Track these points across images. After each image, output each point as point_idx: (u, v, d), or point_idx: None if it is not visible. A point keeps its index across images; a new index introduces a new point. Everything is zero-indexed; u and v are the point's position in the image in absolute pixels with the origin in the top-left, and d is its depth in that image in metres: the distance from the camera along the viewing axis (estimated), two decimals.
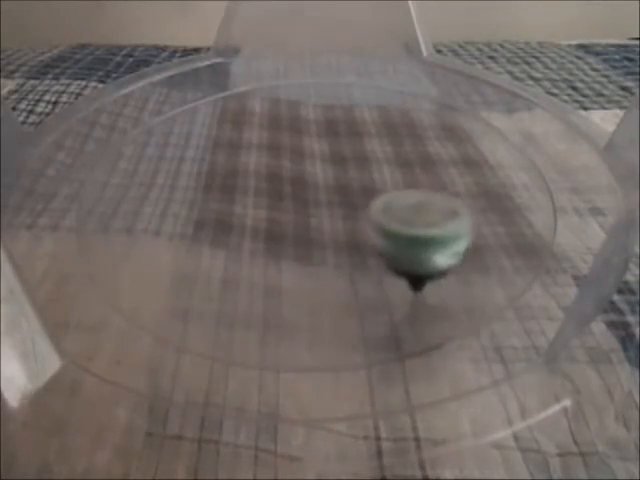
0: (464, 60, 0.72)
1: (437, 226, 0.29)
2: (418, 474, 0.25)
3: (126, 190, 0.43)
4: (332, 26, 0.60)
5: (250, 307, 0.34)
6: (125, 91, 0.56)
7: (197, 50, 0.72)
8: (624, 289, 0.34)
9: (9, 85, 0.61)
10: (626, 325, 0.31)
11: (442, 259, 0.29)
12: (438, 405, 0.28)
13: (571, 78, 0.66)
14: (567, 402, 0.27)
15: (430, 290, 0.34)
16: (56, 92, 0.59)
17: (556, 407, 0.27)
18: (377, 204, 0.31)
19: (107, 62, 0.69)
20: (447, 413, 0.27)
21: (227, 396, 0.28)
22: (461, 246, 0.30)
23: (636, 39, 0.79)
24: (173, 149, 0.49)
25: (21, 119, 0.54)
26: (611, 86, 0.64)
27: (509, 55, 0.74)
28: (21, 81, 0.62)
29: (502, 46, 0.77)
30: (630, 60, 0.71)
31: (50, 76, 0.63)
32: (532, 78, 0.66)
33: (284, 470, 0.25)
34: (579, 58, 0.72)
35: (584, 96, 0.62)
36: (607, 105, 0.59)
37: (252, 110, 0.55)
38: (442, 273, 0.30)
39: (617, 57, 0.72)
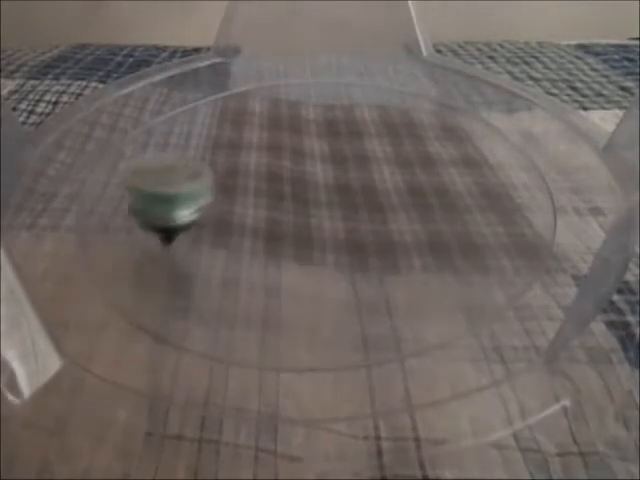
0: (464, 60, 0.72)
1: (181, 185, 0.33)
2: (418, 474, 0.25)
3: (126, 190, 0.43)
4: (332, 26, 0.60)
5: (250, 307, 0.34)
6: (125, 91, 0.56)
7: (197, 50, 0.72)
8: (624, 289, 0.34)
9: (9, 85, 0.61)
10: (626, 325, 0.31)
11: (186, 214, 0.33)
12: (438, 405, 0.28)
13: (571, 78, 0.66)
14: (567, 402, 0.27)
15: (430, 289, 0.34)
16: (56, 92, 0.59)
17: (556, 407, 0.27)
18: (128, 168, 0.36)
19: (107, 62, 0.69)
20: (447, 413, 0.27)
21: (227, 396, 0.28)
22: (203, 202, 0.34)
23: (636, 39, 0.79)
24: (173, 149, 0.49)
25: (22, 119, 0.54)
26: (611, 86, 0.64)
27: (509, 55, 0.74)
28: (21, 81, 0.62)
29: (502, 46, 0.77)
30: (630, 60, 0.71)
31: (50, 76, 0.63)
32: (532, 78, 0.66)
33: (284, 470, 0.25)
34: (579, 58, 0.72)
35: (584, 96, 0.62)
36: (607, 105, 0.59)
37: (252, 110, 0.55)
38: (187, 227, 0.34)
39: (617, 57, 0.72)
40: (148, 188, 0.33)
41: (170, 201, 0.33)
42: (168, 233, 0.34)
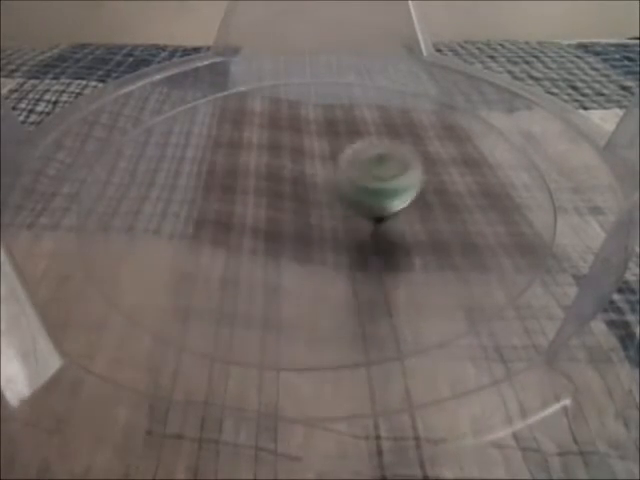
0: (464, 60, 0.72)
1: (394, 179, 0.36)
2: (418, 473, 0.25)
3: (126, 189, 0.43)
4: (332, 26, 0.60)
5: (250, 307, 0.34)
6: (125, 91, 0.56)
7: (197, 50, 0.72)
8: (624, 288, 0.34)
9: (9, 84, 0.61)
10: (626, 324, 0.31)
11: (396, 204, 0.36)
12: (438, 404, 0.28)
13: (571, 77, 0.66)
14: (567, 401, 0.27)
15: (430, 288, 0.34)
16: (56, 91, 0.59)
17: (556, 406, 0.27)
18: (343, 158, 0.38)
19: (107, 62, 0.69)
20: (447, 412, 0.27)
21: (227, 395, 0.28)
22: (411, 194, 0.36)
23: (636, 39, 0.79)
24: (173, 149, 0.49)
25: (21, 118, 0.54)
26: (611, 85, 0.64)
27: (509, 54, 0.74)
28: (21, 80, 0.62)
29: (502, 45, 0.77)
30: (630, 59, 0.71)
31: (50, 75, 0.63)
32: (532, 77, 0.66)
33: (284, 470, 0.25)
34: (579, 57, 0.72)
35: (584, 95, 0.62)
36: (607, 104, 0.59)
37: (252, 110, 0.55)
38: (395, 214, 0.37)
39: (617, 56, 0.72)
40: (363, 182, 0.36)
41: (383, 194, 0.36)
42: (379, 220, 0.38)
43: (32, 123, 0.53)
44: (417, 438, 0.26)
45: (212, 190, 0.44)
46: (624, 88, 0.63)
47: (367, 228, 0.39)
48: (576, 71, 0.68)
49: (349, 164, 0.37)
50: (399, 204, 0.36)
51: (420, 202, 0.42)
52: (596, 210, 0.41)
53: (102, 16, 0.86)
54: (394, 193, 0.36)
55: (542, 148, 0.48)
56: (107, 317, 0.32)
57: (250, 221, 0.40)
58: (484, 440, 0.26)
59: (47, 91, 0.59)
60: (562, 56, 0.73)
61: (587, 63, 0.70)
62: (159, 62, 0.69)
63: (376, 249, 0.39)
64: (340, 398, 0.28)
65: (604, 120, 0.55)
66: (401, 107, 0.57)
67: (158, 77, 0.58)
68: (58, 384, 0.27)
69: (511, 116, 0.54)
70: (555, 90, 0.63)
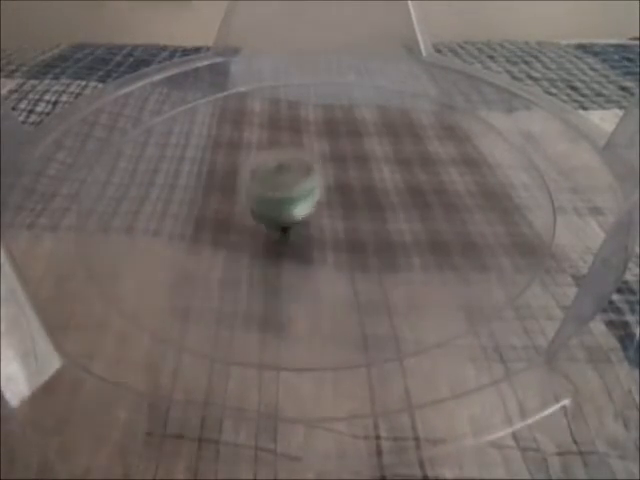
0: (463, 60, 0.72)
1: (295, 186, 0.36)
2: (418, 473, 0.25)
3: (126, 190, 0.43)
4: (332, 26, 0.60)
5: (250, 307, 0.34)
6: (125, 91, 0.56)
7: (197, 50, 0.72)
8: (623, 289, 0.34)
9: (9, 85, 0.61)
10: (625, 324, 0.32)
11: (304, 209, 0.36)
12: (437, 404, 0.28)
13: (570, 78, 0.66)
14: (566, 401, 0.27)
15: (430, 288, 0.34)
16: (56, 92, 0.59)
17: (556, 407, 0.27)
18: (245, 171, 0.38)
19: (107, 62, 0.69)
20: (446, 412, 0.27)
21: (227, 395, 0.28)
22: (314, 198, 0.37)
23: (635, 39, 0.79)
24: (173, 149, 0.49)
25: (21, 119, 0.54)
26: (610, 86, 0.64)
27: (508, 55, 0.74)
28: (21, 81, 0.62)
29: (501, 46, 0.77)
30: (629, 60, 0.71)
31: (50, 76, 0.63)
32: (531, 78, 0.67)
33: (284, 470, 0.25)
34: (578, 58, 0.72)
35: (583, 96, 0.62)
36: (606, 105, 0.60)
37: (252, 110, 0.55)
38: (303, 221, 0.37)
39: (616, 57, 0.72)
40: (269, 193, 0.36)
41: (290, 202, 0.36)
42: (287, 229, 0.38)
43: (32, 123, 0.53)
44: (417, 438, 0.26)
45: (212, 190, 0.44)
46: (623, 88, 0.63)
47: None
48: (575, 71, 0.68)
49: (251, 177, 0.37)
50: (305, 210, 0.36)
51: (420, 202, 0.43)
52: (595, 210, 0.41)
53: (102, 16, 0.86)
54: (299, 199, 0.36)
55: (541, 148, 0.48)
56: (107, 317, 0.32)
57: (249, 221, 0.40)
58: (484, 440, 0.26)
59: (47, 91, 0.59)
60: (561, 56, 0.73)
61: (586, 63, 0.71)
62: (159, 62, 0.69)
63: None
64: (340, 398, 0.28)
65: (603, 120, 0.55)
66: (401, 107, 0.57)
67: (158, 77, 0.58)
68: (58, 384, 0.27)
69: (510, 116, 0.54)
70: (554, 90, 0.63)
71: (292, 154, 0.39)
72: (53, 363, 0.27)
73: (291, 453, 0.26)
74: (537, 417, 0.27)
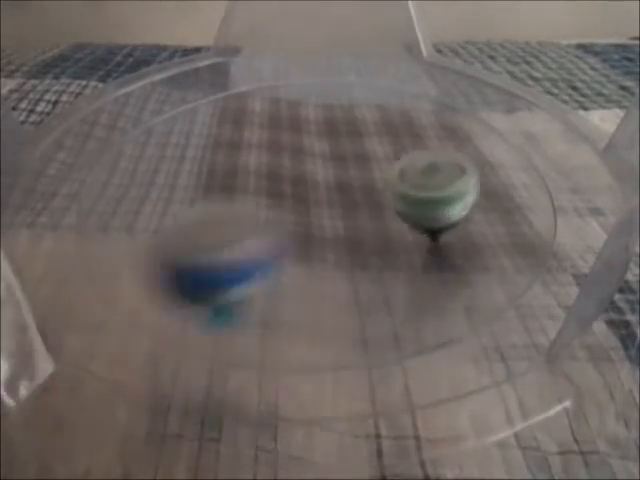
0: (464, 60, 0.72)
1: (447, 186, 0.33)
2: (418, 473, 0.25)
3: (126, 189, 0.43)
4: (332, 26, 0.60)
5: (250, 306, 0.34)
6: (125, 91, 0.56)
7: (197, 50, 0.72)
8: (624, 288, 0.34)
9: (10, 84, 0.61)
10: (626, 324, 0.31)
11: (453, 213, 0.34)
12: (439, 405, 0.28)
13: (571, 78, 0.66)
14: (568, 403, 0.27)
15: (430, 288, 0.34)
16: (56, 91, 0.59)
17: (557, 408, 0.27)
18: (393, 172, 0.35)
19: (107, 62, 0.69)
20: (448, 412, 0.27)
21: (227, 396, 0.28)
22: (469, 200, 0.34)
23: (636, 39, 0.79)
24: (173, 149, 0.49)
25: (22, 118, 0.54)
26: (611, 86, 0.64)
27: (509, 55, 0.74)
28: (22, 80, 0.62)
29: (502, 46, 0.77)
30: (630, 60, 0.71)
31: (50, 75, 0.63)
32: (532, 78, 0.66)
33: (284, 470, 0.25)
34: (579, 58, 0.72)
35: (584, 96, 0.62)
36: (607, 105, 0.60)
37: (252, 110, 0.55)
38: (454, 224, 0.34)
39: (617, 57, 0.72)
40: (416, 193, 0.34)
41: (439, 203, 0.34)
42: (436, 232, 0.36)
43: (32, 123, 0.53)
44: (417, 438, 0.26)
45: (212, 190, 0.44)
46: (624, 88, 0.63)
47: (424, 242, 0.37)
48: (576, 71, 0.68)
49: (399, 177, 0.35)
50: (455, 214, 0.34)
51: None
52: (596, 211, 0.41)
53: (102, 16, 0.86)
54: (447, 201, 0.34)
55: (542, 149, 0.48)
56: (107, 317, 0.32)
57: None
58: (485, 442, 0.26)
59: (47, 91, 0.59)
60: (562, 56, 0.73)
61: (587, 63, 0.71)
62: (159, 62, 0.69)
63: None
64: (340, 398, 0.28)
65: (604, 120, 0.55)
66: (401, 107, 0.57)
67: (158, 77, 0.58)
68: (57, 385, 0.27)
69: (511, 117, 0.54)
70: (555, 90, 0.63)
71: (443, 155, 0.37)
72: (52, 364, 0.27)
73: (291, 453, 0.25)
74: (538, 418, 0.27)
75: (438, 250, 0.37)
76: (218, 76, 0.60)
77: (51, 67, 0.66)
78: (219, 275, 0.27)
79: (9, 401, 0.25)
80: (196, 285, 0.27)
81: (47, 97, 0.58)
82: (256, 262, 0.28)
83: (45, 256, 0.36)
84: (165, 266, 0.27)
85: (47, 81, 0.62)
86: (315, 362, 0.30)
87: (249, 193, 0.43)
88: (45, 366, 0.27)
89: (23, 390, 0.25)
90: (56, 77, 0.63)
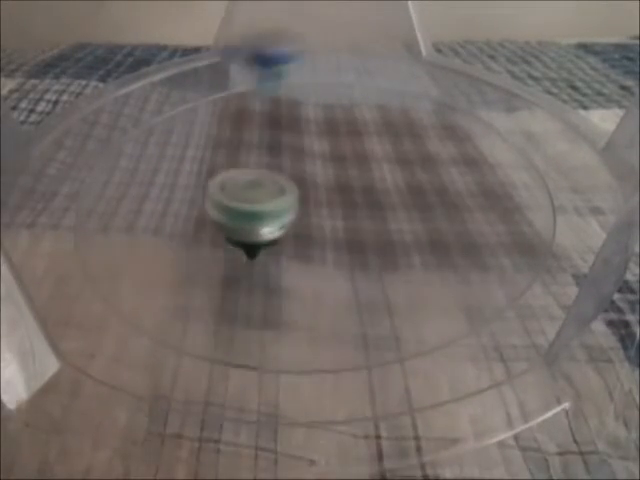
0: (464, 59, 0.72)
1: (266, 202, 0.33)
2: (418, 473, 0.25)
3: (126, 189, 0.43)
4: (332, 26, 0.60)
5: (250, 307, 0.34)
6: (125, 90, 0.56)
7: (197, 50, 0.72)
8: (624, 288, 0.34)
9: (10, 84, 0.61)
10: (626, 324, 0.31)
11: (271, 230, 0.33)
12: (438, 406, 0.28)
13: (571, 77, 0.66)
14: (567, 404, 0.27)
15: (430, 288, 0.34)
16: (57, 91, 0.59)
17: (557, 409, 0.27)
18: (214, 183, 0.34)
19: (107, 61, 0.69)
20: (447, 413, 0.27)
21: (227, 396, 0.28)
22: (287, 219, 0.34)
23: (636, 38, 0.79)
24: (173, 148, 0.49)
25: (22, 118, 0.54)
26: (611, 85, 0.64)
27: (509, 54, 0.74)
28: (22, 80, 0.62)
29: (502, 45, 0.77)
30: (630, 59, 0.71)
31: (51, 75, 0.63)
32: (532, 77, 0.66)
33: (284, 470, 0.25)
34: (579, 57, 0.72)
35: (584, 95, 0.62)
36: (607, 104, 0.60)
37: (252, 110, 0.55)
38: (272, 242, 0.34)
39: (617, 56, 0.72)
40: (235, 204, 0.33)
41: (257, 218, 0.33)
42: (252, 249, 0.35)
43: (32, 123, 0.53)
44: (417, 438, 0.26)
45: None
46: (624, 88, 0.63)
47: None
48: (576, 71, 0.68)
49: (220, 188, 0.34)
50: (274, 230, 0.33)
51: (420, 202, 0.43)
52: (596, 210, 0.41)
53: (102, 16, 0.86)
54: (262, 216, 0.33)
55: (542, 148, 0.48)
56: (106, 317, 0.32)
57: None
58: (485, 443, 0.26)
59: (47, 91, 0.59)
60: (562, 56, 0.73)
61: (587, 63, 0.71)
62: (159, 62, 0.69)
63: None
64: (340, 399, 0.28)
65: (604, 120, 0.55)
66: (401, 107, 0.57)
67: (158, 77, 0.58)
68: (56, 386, 0.27)
69: (511, 116, 0.54)
70: (555, 90, 0.63)
71: (266, 174, 0.37)
72: (51, 365, 0.27)
73: (291, 453, 0.26)
74: (538, 420, 0.27)
75: (251, 268, 0.36)
76: (218, 76, 0.60)
77: (51, 67, 0.66)
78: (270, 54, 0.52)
79: (9, 402, 0.25)
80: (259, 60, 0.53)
81: (47, 97, 0.58)
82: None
83: (45, 256, 0.36)
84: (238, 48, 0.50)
85: (47, 81, 0.62)
86: (315, 362, 0.30)
87: None
88: (46, 367, 0.27)
89: (23, 392, 0.25)
90: (56, 77, 0.63)
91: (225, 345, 0.31)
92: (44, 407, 0.26)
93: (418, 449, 0.26)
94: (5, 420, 0.25)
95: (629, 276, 0.35)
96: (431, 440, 0.26)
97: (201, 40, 0.70)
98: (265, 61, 0.53)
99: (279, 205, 0.33)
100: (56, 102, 0.57)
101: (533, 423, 0.26)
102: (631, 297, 0.33)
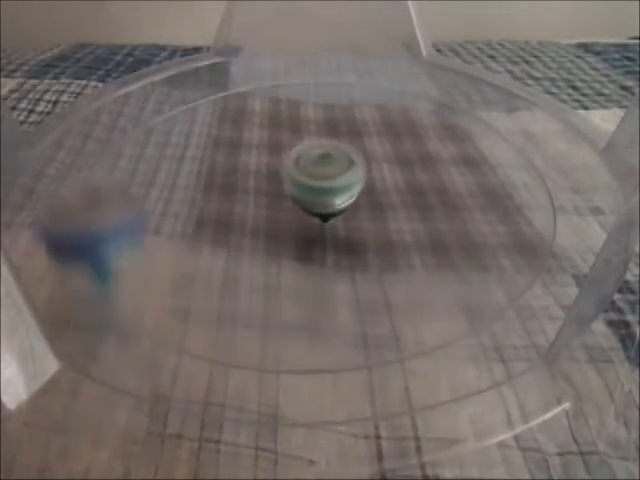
0: (464, 59, 0.72)
1: (337, 176, 0.36)
2: (418, 473, 0.25)
3: None
4: (332, 26, 0.60)
5: (250, 307, 0.34)
6: (125, 90, 0.56)
7: (197, 50, 0.72)
8: (624, 288, 0.34)
9: (10, 84, 0.61)
10: (626, 324, 0.31)
11: (341, 201, 0.37)
12: (439, 406, 0.28)
13: (571, 77, 0.66)
14: (568, 404, 0.27)
15: (430, 288, 0.34)
16: (56, 91, 0.59)
17: (557, 409, 0.27)
18: (289, 158, 0.38)
19: (107, 61, 0.69)
20: (447, 413, 0.27)
21: (227, 397, 0.28)
22: (355, 190, 0.37)
23: (636, 38, 0.79)
24: (173, 148, 0.49)
25: (21, 118, 0.54)
26: (611, 85, 0.64)
27: (509, 54, 0.74)
28: (22, 80, 0.62)
29: (502, 45, 0.77)
30: (630, 59, 0.71)
31: (50, 75, 0.63)
32: (532, 77, 0.66)
33: (284, 470, 0.25)
34: (579, 57, 0.72)
35: (584, 95, 0.62)
36: (607, 104, 0.59)
37: (252, 110, 0.55)
38: (342, 211, 0.38)
39: (617, 56, 0.72)
40: (309, 180, 0.36)
41: (329, 192, 0.36)
42: (326, 217, 0.39)
43: (32, 123, 0.53)
44: (417, 438, 0.26)
45: (212, 190, 0.44)
46: (624, 88, 0.63)
47: (315, 224, 0.39)
48: (576, 71, 0.68)
49: (293, 164, 0.38)
50: (344, 201, 0.37)
51: (420, 202, 0.43)
52: (596, 210, 0.41)
53: (102, 16, 0.86)
54: (338, 190, 0.36)
55: (542, 148, 0.48)
56: (107, 317, 0.32)
57: (250, 221, 0.40)
58: (485, 444, 0.26)
59: (47, 91, 0.59)
60: (562, 56, 0.73)
61: (587, 63, 0.71)
62: (159, 62, 0.69)
63: (325, 246, 0.39)
64: (340, 399, 0.28)
65: (604, 120, 0.55)
66: (401, 107, 0.57)
67: (158, 77, 0.58)
68: (56, 386, 0.27)
69: (511, 116, 0.54)
70: (555, 90, 0.63)
71: (335, 146, 0.39)
72: (51, 365, 0.27)
73: (291, 453, 0.25)
74: (538, 420, 0.27)
75: (325, 235, 0.40)
76: (218, 76, 0.60)
77: (51, 67, 0.66)
78: (87, 239, 0.32)
79: (9, 402, 0.25)
80: (70, 247, 0.33)
81: (47, 97, 0.58)
82: (118, 230, 0.33)
83: (45, 256, 0.36)
84: (46, 232, 0.34)
85: (47, 81, 0.62)
86: (315, 362, 0.30)
87: (249, 193, 0.43)
88: (46, 367, 0.27)
89: (23, 392, 0.25)
90: (56, 77, 0.63)
91: (225, 345, 0.31)
92: (44, 407, 0.26)
93: (418, 449, 0.26)
94: (5, 420, 0.25)
95: (629, 276, 0.35)
96: (431, 440, 0.26)
97: (201, 40, 0.71)
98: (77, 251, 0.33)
99: (349, 179, 0.37)
100: (56, 102, 0.57)
101: (533, 423, 0.26)
102: (631, 297, 0.33)
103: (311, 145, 0.40)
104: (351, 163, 0.37)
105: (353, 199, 0.37)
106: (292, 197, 0.38)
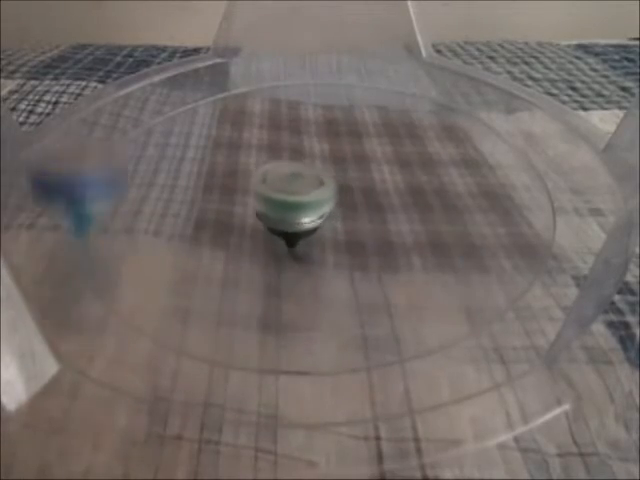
0: (464, 60, 0.72)
1: (305, 193, 0.35)
2: (418, 474, 0.25)
3: None
4: (332, 26, 0.60)
5: (250, 308, 0.34)
6: (125, 91, 0.56)
7: (197, 50, 0.72)
8: (624, 289, 0.34)
9: (9, 85, 0.61)
10: (626, 325, 0.31)
11: (309, 220, 0.35)
12: (438, 407, 0.28)
13: (570, 78, 0.66)
14: (568, 405, 0.27)
15: (430, 289, 0.34)
16: (56, 92, 0.59)
17: (557, 411, 0.27)
18: (257, 176, 0.36)
19: (107, 62, 0.69)
20: (447, 414, 0.27)
21: (227, 398, 0.28)
22: (325, 209, 0.35)
23: (636, 39, 0.79)
24: (173, 149, 0.49)
25: (21, 119, 0.54)
26: (610, 86, 0.64)
27: (509, 55, 0.74)
28: (21, 81, 0.62)
29: (502, 46, 0.77)
30: (630, 60, 0.71)
31: (50, 76, 0.64)
32: (532, 78, 0.67)
33: (284, 470, 0.25)
34: (578, 58, 0.72)
35: (583, 96, 0.62)
36: (606, 105, 0.60)
37: (252, 110, 0.55)
38: (310, 232, 0.36)
39: (616, 57, 0.72)
40: (276, 195, 0.35)
41: (296, 208, 0.35)
42: (292, 238, 0.37)
43: (32, 124, 0.53)
44: (417, 439, 0.26)
45: (212, 191, 0.44)
46: (624, 89, 0.63)
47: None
48: (576, 72, 0.68)
49: (261, 181, 0.36)
50: (312, 220, 0.35)
51: (420, 203, 0.43)
52: (596, 211, 0.41)
53: (102, 16, 0.86)
54: (307, 206, 0.35)
55: (542, 149, 0.48)
56: (106, 319, 0.32)
57: (250, 221, 0.40)
58: (485, 445, 0.26)
59: (47, 92, 0.59)
60: (562, 57, 0.73)
61: (587, 64, 0.71)
62: (159, 63, 0.69)
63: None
64: (340, 400, 0.28)
65: (604, 121, 0.55)
66: (401, 108, 0.57)
67: (158, 78, 0.58)
68: (56, 387, 0.27)
69: (511, 117, 0.54)
70: (555, 91, 0.63)
71: (305, 167, 0.39)
72: (51, 366, 0.27)
73: (291, 454, 0.25)
74: (538, 421, 0.27)
75: (295, 257, 0.37)
76: (218, 76, 0.60)
77: (51, 68, 0.66)
78: (69, 183, 0.33)
79: (9, 403, 0.25)
80: (53, 190, 0.34)
81: (47, 98, 0.58)
82: (99, 179, 0.34)
83: (45, 257, 0.36)
84: (33, 179, 0.34)
85: (47, 82, 0.62)
86: (315, 363, 0.30)
87: (249, 194, 0.43)
88: (45, 368, 0.27)
89: (23, 393, 0.25)
90: (56, 78, 0.63)
91: (225, 346, 0.31)
92: (44, 408, 0.26)
93: (418, 450, 0.26)
94: (5, 421, 0.25)
95: (629, 277, 0.35)
96: (431, 441, 0.26)
97: (201, 40, 0.71)
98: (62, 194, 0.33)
99: (319, 196, 0.35)
100: (56, 103, 0.57)
101: (533, 425, 0.26)
102: (631, 298, 0.33)
103: (282, 164, 0.39)
104: (321, 183, 0.36)
105: (321, 220, 0.35)
106: (257, 214, 0.37)
